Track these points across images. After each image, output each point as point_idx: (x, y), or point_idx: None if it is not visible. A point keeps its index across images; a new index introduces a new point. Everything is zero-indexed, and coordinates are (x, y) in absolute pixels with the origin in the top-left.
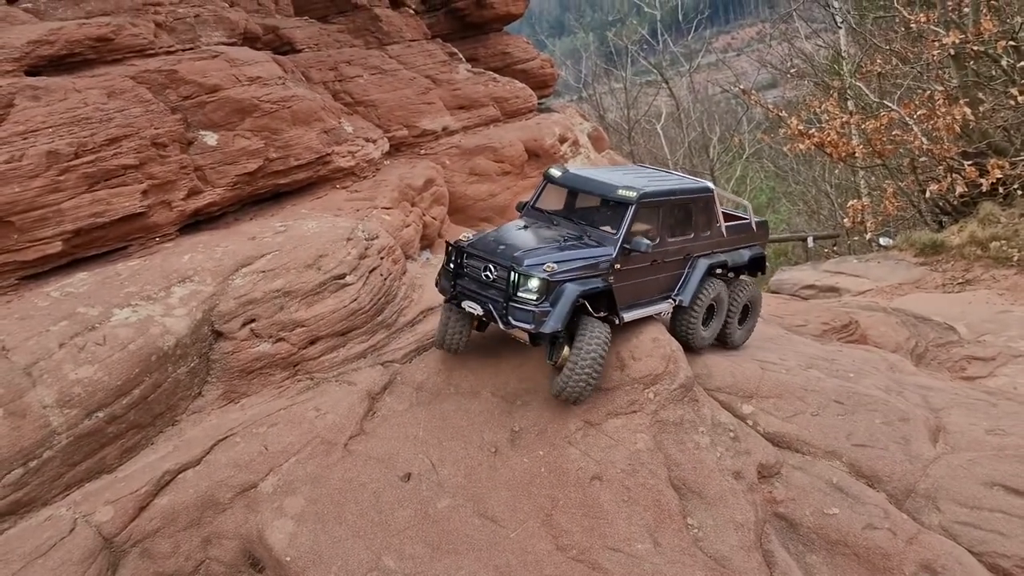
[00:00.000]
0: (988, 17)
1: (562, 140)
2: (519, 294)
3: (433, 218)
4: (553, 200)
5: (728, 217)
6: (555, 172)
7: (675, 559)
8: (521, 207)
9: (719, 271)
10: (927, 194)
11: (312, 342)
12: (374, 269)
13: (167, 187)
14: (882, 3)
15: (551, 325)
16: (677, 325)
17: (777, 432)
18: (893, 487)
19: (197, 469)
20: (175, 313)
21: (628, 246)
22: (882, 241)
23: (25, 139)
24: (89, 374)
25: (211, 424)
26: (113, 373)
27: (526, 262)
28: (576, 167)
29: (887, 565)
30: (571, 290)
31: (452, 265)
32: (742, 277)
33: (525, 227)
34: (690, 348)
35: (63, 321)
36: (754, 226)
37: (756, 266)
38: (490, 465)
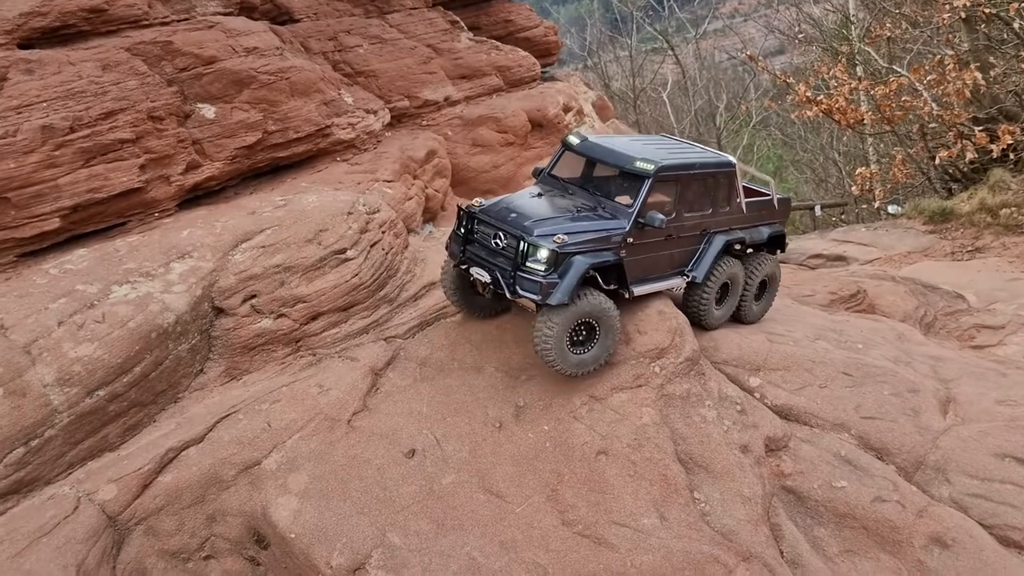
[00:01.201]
0: None
1: (566, 109)
2: (527, 264)
3: (435, 191)
4: (570, 168)
5: (750, 192)
6: (573, 140)
7: (681, 533)
8: (537, 173)
9: (736, 248)
10: (936, 161)
11: (314, 318)
12: (375, 243)
13: (165, 161)
14: None
15: (558, 297)
16: (689, 303)
17: (785, 405)
18: (902, 459)
19: (200, 446)
20: (175, 290)
21: (642, 220)
22: (891, 209)
23: (19, 114)
24: (89, 352)
25: (214, 401)
26: (113, 351)
27: (536, 232)
28: (596, 135)
29: (896, 538)
30: (580, 262)
31: (462, 230)
32: (762, 252)
33: (539, 195)
34: (701, 327)
35: (62, 299)
36: (776, 203)
37: (775, 244)
38: (495, 440)
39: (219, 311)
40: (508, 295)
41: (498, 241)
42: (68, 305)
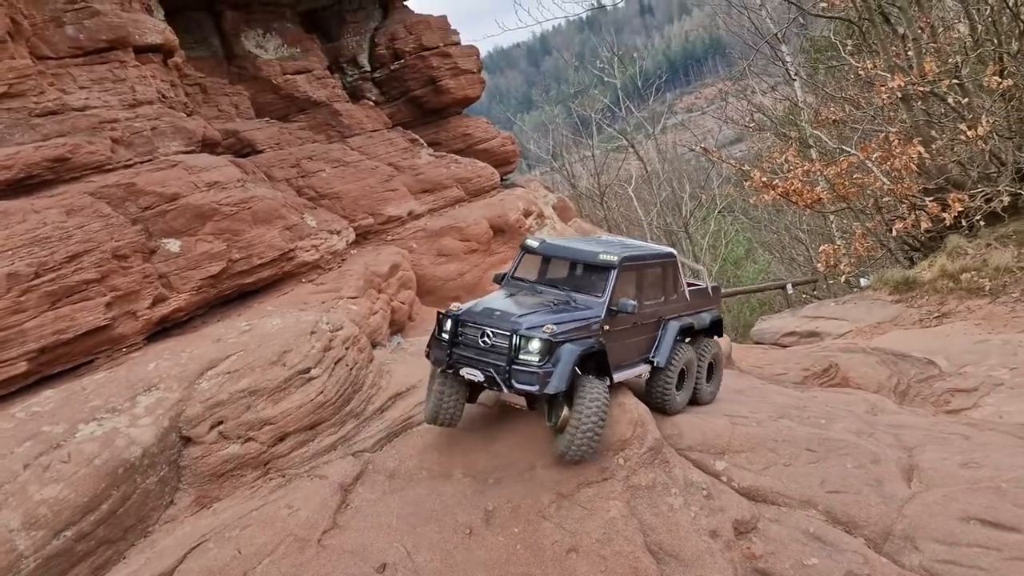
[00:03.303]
0: (929, 60)
1: (527, 214)
2: (521, 357)
3: (401, 303)
4: (529, 271)
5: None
6: (532, 243)
7: None
8: (499, 279)
9: (683, 336)
10: (893, 233)
11: (281, 439)
12: (339, 360)
13: (131, 297)
14: (831, 54)
15: (555, 385)
16: (653, 389)
17: (751, 486)
18: (870, 531)
19: None
20: (141, 423)
21: (615, 307)
22: (862, 282)
23: None
24: (55, 493)
25: (184, 532)
26: (79, 490)
27: (526, 325)
28: (551, 237)
29: None
30: (571, 350)
31: (446, 335)
32: (704, 337)
33: (511, 295)
34: (665, 413)
35: (27, 441)
36: (710, 290)
37: (715, 329)
38: (466, 547)
39: (187, 440)
40: (505, 390)
41: (487, 339)
42: (34, 448)
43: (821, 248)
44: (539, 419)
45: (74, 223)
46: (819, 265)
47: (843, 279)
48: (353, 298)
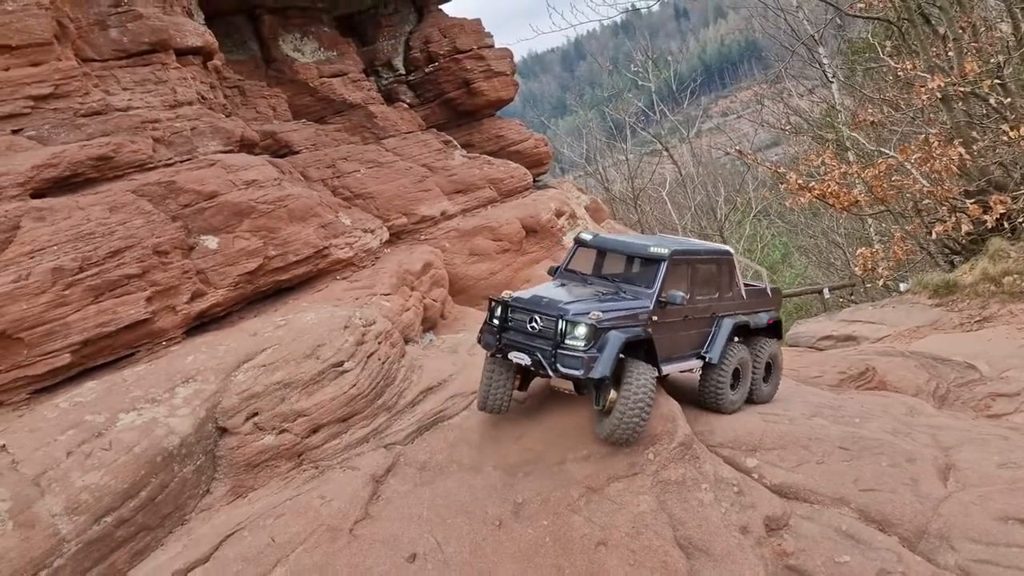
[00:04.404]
0: (970, 60)
1: (559, 214)
2: (567, 342)
3: (433, 300)
4: (583, 264)
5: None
6: (587, 236)
7: None
8: (553, 271)
9: (738, 338)
10: (933, 235)
11: (314, 431)
12: (372, 354)
13: (171, 292)
14: (869, 55)
15: (600, 371)
16: (707, 386)
17: (783, 483)
18: (904, 530)
19: (206, 566)
20: (179, 413)
21: (663, 299)
22: (901, 286)
23: (31, 258)
24: (96, 479)
25: (220, 520)
26: (119, 477)
27: (572, 311)
28: (604, 232)
29: None
30: (616, 336)
31: (496, 320)
32: (762, 337)
33: (562, 285)
34: (720, 412)
35: (70, 430)
36: (769, 292)
37: (774, 330)
38: (495, 539)
39: (223, 431)
40: (551, 374)
41: (535, 325)
42: (76, 435)
43: (859, 252)
44: (569, 414)
45: (117, 219)
46: (856, 269)
47: (881, 283)
48: (386, 295)
